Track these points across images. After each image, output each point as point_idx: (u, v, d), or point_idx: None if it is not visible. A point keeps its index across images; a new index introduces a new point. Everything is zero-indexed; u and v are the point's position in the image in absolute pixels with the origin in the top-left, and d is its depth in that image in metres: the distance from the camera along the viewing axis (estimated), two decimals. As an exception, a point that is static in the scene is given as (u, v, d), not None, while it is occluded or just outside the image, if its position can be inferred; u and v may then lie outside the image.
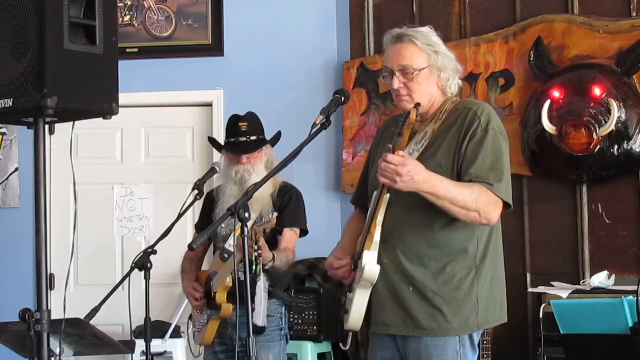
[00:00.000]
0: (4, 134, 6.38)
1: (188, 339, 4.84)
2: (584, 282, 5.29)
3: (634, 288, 3.89)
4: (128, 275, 3.99)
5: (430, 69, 3.29)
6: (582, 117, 5.30)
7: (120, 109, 3.03)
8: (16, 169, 6.37)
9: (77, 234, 5.35)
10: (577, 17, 5.63)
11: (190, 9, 6.36)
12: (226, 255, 4.29)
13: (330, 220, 5.96)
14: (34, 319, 2.89)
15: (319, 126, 3.24)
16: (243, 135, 4.43)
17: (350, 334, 3.44)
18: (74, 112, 2.99)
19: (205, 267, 4.70)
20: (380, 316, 3.27)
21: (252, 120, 4.49)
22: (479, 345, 3.34)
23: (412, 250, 3.23)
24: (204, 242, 4.09)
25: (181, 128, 6.42)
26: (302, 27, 6.30)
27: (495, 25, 5.87)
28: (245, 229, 3.17)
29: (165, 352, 5.66)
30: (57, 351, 3.35)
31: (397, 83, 3.28)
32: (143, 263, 3.93)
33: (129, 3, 6.41)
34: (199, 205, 4.53)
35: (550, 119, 5.39)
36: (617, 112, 5.27)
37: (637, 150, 5.38)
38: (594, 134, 5.28)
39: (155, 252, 3.97)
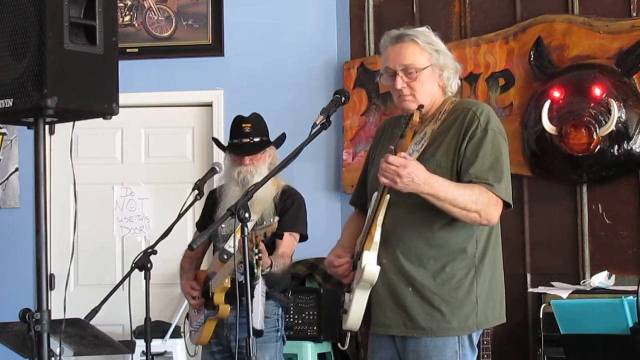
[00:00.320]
0: (4, 134, 6.38)
1: (184, 337, 4.84)
2: (584, 282, 5.29)
3: (634, 288, 3.89)
4: (128, 275, 4.00)
5: (432, 68, 3.29)
6: (582, 117, 5.30)
7: (120, 109, 3.03)
8: (16, 169, 6.37)
9: (77, 234, 5.36)
10: (577, 17, 5.63)
11: (190, 9, 6.36)
12: (225, 256, 4.29)
13: (330, 220, 5.96)
14: (34, 319, 2.89)
15: (319, 126, 3.24)
16: (246, 137, 4.42)
17: (349, 334, 3.45)
18: (74, 112, 2.99)
19: (204, 265, 4.69)
20: (379, 316, 3.27)
21: (256, 121, 4.48)
22: (478, 345, 3.34)
23: (412, 251, 3.23)
24: (204, 241, 4.08)
25: (181, 128, 6.42)
26: (302, 27, 6.30)
27: (495, 25, 5.87)
28: (245, 229, 3.17)
29: (165, 352, 5.66)
30: (57, 351, 3.35)
31: (400, 83, 3.28)
32: (143, 263, 3.93)
33: (129, 3, 6.41)
34: (199, 205, 4.53)
35: (550, 119, 5.39)
36: (617, 112, 5.27)
37: (637, 150, 5.38)
38: (594, 134, 5.28)
39: (155, 252, 3.97)
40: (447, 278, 3.22)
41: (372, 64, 6.08)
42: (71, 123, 3.09)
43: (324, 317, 5.57)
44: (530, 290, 5.48)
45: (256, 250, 3.80)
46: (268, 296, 4.30)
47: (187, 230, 5.71)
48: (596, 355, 3.54)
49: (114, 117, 3.03)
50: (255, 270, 3.80)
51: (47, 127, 3.04)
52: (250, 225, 3.91)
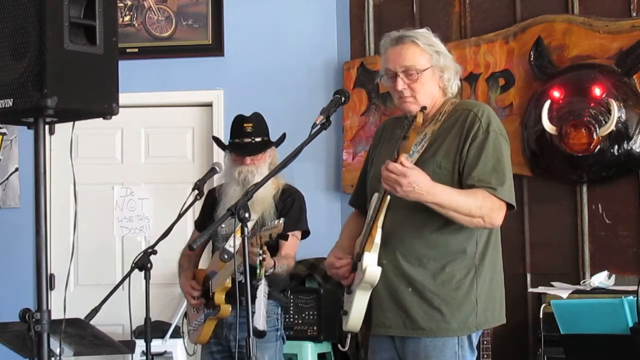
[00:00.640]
0: (4, 134, 6.38)
1: (184, 337, 4.84)
2: (584, 282, 5.29)
3: (634, 288, 3.89)
4: (128, 275, 4.00)
5: (433, 69, 3.29)
6: (582, 117, 5.30)
7: (120, 109, 3.03)
8: (16, 169, 6.37)
9: (77, 234, 5.36)
10: (577, 17, 5.63)
11: (190, 9, 6.36)
12: (226, 256, 4.29)
13: (330, 220, 5.95)
14: (34, 319, 2.89)
15: (319, 126, 3.23)
16: (248, 137, 4.42)
17: (350, 335, 3.44)
18: (74, 112, 2.99)
19: (201, 264, 4.69)
20: (379, 317, 3.27)
21: (257, 121, 4.48)
22: (478, 345, 3.34)
23: (411, 252, 3.23)
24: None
25: (181, 128, 6.42)
26: (302, 27, 6.30)
27: (495, 25, 5.87)
28: (245, 229, 3.17)
29: (165, 352, 5.67)
30: (57, 351, 3.35)
31: (401, 84, 3.27)
32: (143, 263, 3.93)
33: (129, 3, 6.41)
34: (198, 204, 4.53)
35: (550, 119, 5.39)
36: (617, 112, 5.27)
37: (637, 150, 5.38)
38: (594, 134, 5.28)
39: (155, 252, 3.97)
40: (447, 278, 3.22)
41: (372, 64, 6.08)
42: (71, 123, 3.09)
43: (324, 317, 5.57)
44: (530, 290, 5.49)
45: (260, 252, 3.80)
46: (268, 296, 4.30)
47: (187, 230, 5.69)
48: (596, 355, 3.54)
49: (114, 117, 3.03)
50: (258, 271, 3.79)
51: (47, 127, 3.04)
52: (250, 225, 3.91)
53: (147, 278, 3.91)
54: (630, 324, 3.40)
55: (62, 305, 3.29)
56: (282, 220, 3.87)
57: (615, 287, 5.08)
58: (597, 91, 5.33)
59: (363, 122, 6.13)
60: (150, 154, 6.43)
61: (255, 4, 6.33)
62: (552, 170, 5.59)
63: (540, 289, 5.23)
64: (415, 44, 3.28)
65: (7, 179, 6.36)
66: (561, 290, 5.05)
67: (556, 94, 5.44)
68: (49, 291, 3.18)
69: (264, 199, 4.31)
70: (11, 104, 2.90)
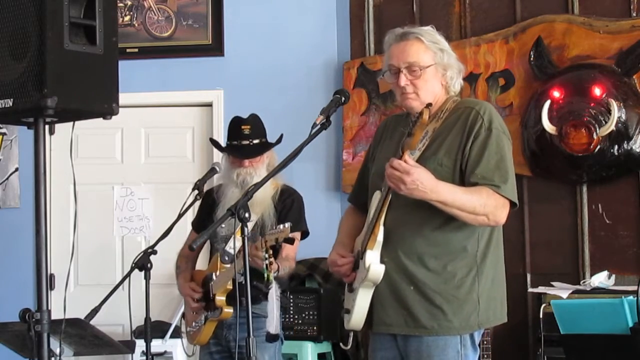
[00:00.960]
0: (4, 134, 6.38)
1: (182, 337, 4.84)
2: (584, 282, 5.29)
3: (634, 288, 3.89)
4: (128, 275, 4.00)
5: (436, 67, 3.30)
6: (582, 117, 5.30)
7: (120, 109, 3.03)
8: (16, 169, 6.37)
9: (77, 234, 5.35)
10: (577, 17, 5.63)
11: (190, 9, 6.36)
12: (226, 258, 4.29)
13: (330, 220, 5.92)
14: (34, 319, 2.89)
15: (319, 126, 3.24)
16: (246, 139, 4.42)
17: (351, 334, 3.44)
18: (74, 112, 2.99)
19: (198, 265, 4.68)
20: (381, 315, 3.27)
21: (255, 122, 4.48)
22: (479, 345, 3.34)
23: (413, 250, 3.23)
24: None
25: (181, 128, 6.42)
26: (302, 27, 6.29)
27: (495, 25, 5.87)
28: (245, 229, 3.17)
29: (165, 352, 5.67)
30: (57, 351, 3.35)
31: (404, 80, 3.28)
32: (143, 263, 3.93)
33: (129, 3, 6.41)
34: (197, 205, 4.53)
35: (550, 119, 5.39)
36: (617, 112, 5.27)
37: (637, 150, 5.38)
38: (594, 134, 5.28)
39: (155, 252, 3.97)
40: (449, 277, 3.22)
41: (372, 64, 6.08)
42: (71, 123, 3.09)
43: (324, 317, 5.57)
44: (530, 290, 5.48)
45: (266, 255, 3.79)
46: (267, 297, 4.30)
47: (187, 231, 5.64)
48: (596, 355, 3.54)
49: (114, 117, 3.03)
50: (266, 276, 3.79)
51: (47, 127, 3.04)
52: (250, 225, 3.90)
53: (147, 278, 3.91)
54: (630, 324, 3.40)
55: (62, 305, 3.29)
56: (288, 224, 3.86)
57: (615, 287, 5.07)
58: (597, 91, 5.33)
59: (363, 122, 6.13)
60: (150, 154, 6.43)
61: (255, 4, 6.33)
62: (552, 170, 5.59)
63: (540, 289, 5.22)
64: (420, 41, 3.28)
65: (7, 179, 6.36)
66: (561, 290, 5.05)
67: (556, 94, 5.44)
68: (49, 291, 3.18)
69: (263, 199, 4.31)
70: (11, 104, 2.90)
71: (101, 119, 3.03)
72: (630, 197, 5.52)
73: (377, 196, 3.29)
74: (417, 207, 3.18)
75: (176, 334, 5.68)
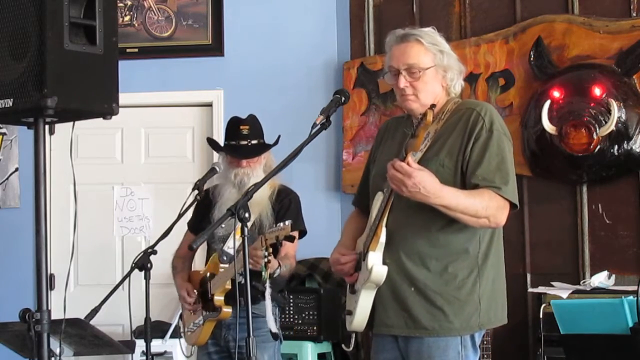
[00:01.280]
0: (4, 134, 6.38)
1: (180, 337, 4.84)
2: (584, 282, 5.29)
3: (634, 288, 3.89)
4: (128, 275, 4.00)
5: (436, 69, 3.30)
6: (582, 117, 5.30)
7: (120, 109, 3.03)
8: (16, 169, 6.37)
9: (77, 234, 5.35)
10: (577, 17, 5.63)
11: (190, 9, 6.36)
12: (225, 258, 4.29)
13: (330, 220, 5.96)
14: (34, 319, 2.89)
15: (319, 126, 3.24)
16: (244, 139, 4.42)
17: (354, 335, 3.44)
18: (74, 112, 2.99)
19: (193, 266, 4.69)
20: (381, 317, 3.27)
21: (253, 123, 4.48)
22: (479, 345, 3.34)
23: (414, 251, 3.23)
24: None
25: (181, 128, 6.42)
26: (302, 27, 6.30)
27: (495, 25, 5.87)
28: (245, 229, 3.17)
29: (165, 352, 5.67)
30: (57, 351, 3.35)
31: (403, 82, 3.28)
32: (143, 263, 3.93)
33: (129, 3, 6.41)
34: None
35: (550, 119, 5.39)
36: (617, 112, 5.27)
37: (637, 150, 5.38)
38: (594, 134, 5.27)
39: (155, 252, 3.97)
40: (450, 278, 3.22)
41: (372, 64, 6.08)
42: (71, 123, 3.09)
43: (324, 317, 5.57)
44: (530, 290, 5.48)
45: (266, 253, 3.79)
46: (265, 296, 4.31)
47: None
48: (596, 355, 3.54)
49: (114, 117, 3.03)
50: (264, 274, 3.79)
51: (47, 127, 3.04)
52: (248, 224, 3.90)
53: (147, 278, 3.91)
54: (630, 324, 3.40)
55: (62, 305, 3.29)
56: (289, 222, 3.86)
57: (615, 287, 5.07)
58: (597, 91, 5.33)
59: (363, 122, 6.13)
60: (150, 154, 6.43)
61: (255, 4, 6.33)
62: (552, 170, 5.59)
63: (540, 289, 5.22)
64: (420, 43, 3.28)
65: (7, 179, 6.37)
66: (561, 290, 5.05)
67: (556, 94, 5.43)
68: (49, 291, 3.18)
69: (261, 200, 4.31)
70: (11, 104, 2.90)
71: (101, 119, 3.03)
72: (630, 197, 5.52)
73: (379, 197, 3.29)
74: (419, 209, 3.18)
75: (176, 334, 5.67)
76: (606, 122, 5.26)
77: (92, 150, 6.27)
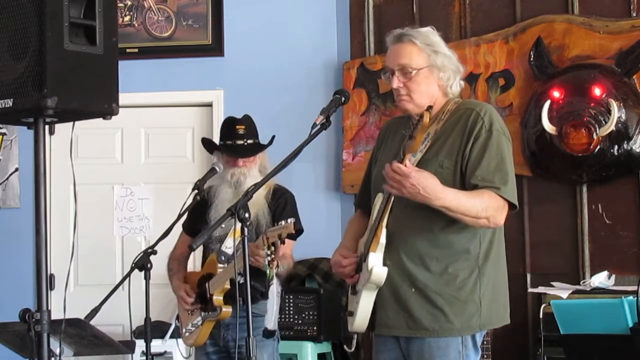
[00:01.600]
0: (4, 134, 6.38)
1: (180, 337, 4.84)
2: (584, 282, 5.29)
3: (634, 288, 3.89)
4: (128, 275, 3.99)
5: (430, 69, 3.29)
6: (582, 117, 5.30)
7: (120, 109, 3.03)
8: (16, 169, 6.37)
9: (77, 234, 5.33)
10: (577, 17, 5.63)
11: (190, 9, 6.36)
12: (223, 258, 4.29)
13: (330, 220, 5.96)
14: (34, 319, 2.89)
15: (318, 126, 3.24)
16: (240, 139, 4.43)
17: (355, 336, 3.45)
18: (74, 112, 2.99)
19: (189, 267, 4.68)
20: (382, 317, 3.27)
21: (248, 123, 4.49)
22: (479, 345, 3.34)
23: (415, 252, 3.23)
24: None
25: (181, 128, 6.42)
26: (302, 27, 6.30)
27: (495, 25, 5.87)
28: (245, 229, 3.17)
29: (165, 352, 5.67)
30: (57, 351, 3.35)
31: (396, 82, 3.29)
32: (143, 263, 3.93)
33: (129, 3, 6.41)
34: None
35: (550, 119, 5.39)
36: (617, 112, 5.27)
37: (637, 150, 5.38)
38: (594, 134, 5.28)
39: (155, 252, 3.97)
40: (450, 278, 3.22)
41: (372, 64, 6.08)
42: (71, 123, 3.09)
43: (324, 317, 5.57)
44: (530, 290, 5.48)
45: (268, 252, 3.80)
46: (264, 295, 4.30)
47: (187, 231, 5.70)
48: (596, 355, 3.54)
49: (114, 117, 3.03)
50: (268, 272, 3.79)
51: (47, 127, 3.04)
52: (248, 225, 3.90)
53: (147, 278, 3.91)
54: (630, 324, 3.40)
55: (62, 305, 3.29)
56: (291, 220, 3.86)
57: (615, 287, 5.07)
58: (597, 91, 5.33)
59: (363, 122, 6.13)
60: (150, 154, 6.43)
61: (255, 4, 6.33)
62: (552, 170, 5.59)
63: (540, 289, 5.22)
64: (413, 43, 3.29)
65: (7, 179, 6.37)
66: (561, 291, 5.05)
67: (556, 94, 5.44)
68: (49, 291, 3.18)
69: (257, 200, 4.31)
70: (11, 104, 2.90)
71: (101, 119, 3.03)
72: (630, 197, 5.52)
73: (379, 198, 3.29)
74: (420, 210, 3.18)
75: (176, 334, 5.67)
76: (606, 122, 5.26)
77: (92, 150, 6.27)
